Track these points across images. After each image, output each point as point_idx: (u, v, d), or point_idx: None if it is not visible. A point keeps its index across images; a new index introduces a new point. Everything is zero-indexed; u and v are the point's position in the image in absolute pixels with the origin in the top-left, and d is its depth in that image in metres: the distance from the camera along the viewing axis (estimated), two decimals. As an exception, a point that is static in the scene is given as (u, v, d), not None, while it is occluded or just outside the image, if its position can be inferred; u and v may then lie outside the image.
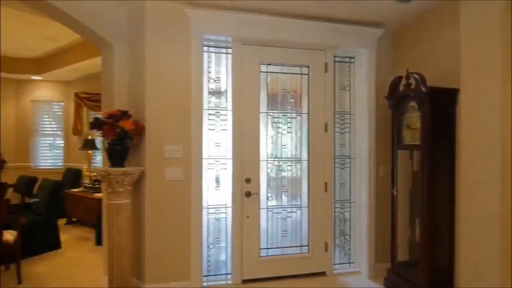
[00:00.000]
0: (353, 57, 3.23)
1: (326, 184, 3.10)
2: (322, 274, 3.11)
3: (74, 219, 5.18)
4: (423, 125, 2.46)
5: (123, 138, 2.47)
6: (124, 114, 2.49)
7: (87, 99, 5.64)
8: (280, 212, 3.09)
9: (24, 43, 4.67)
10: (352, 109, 3.25)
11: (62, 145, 6.29)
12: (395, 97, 2.78)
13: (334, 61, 3.15)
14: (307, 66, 3.09)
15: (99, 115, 2.52)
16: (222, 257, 3.02)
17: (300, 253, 3.12)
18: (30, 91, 6.13)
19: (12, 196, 3.32)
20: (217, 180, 2.98)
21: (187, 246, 2.70)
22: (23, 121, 6.08)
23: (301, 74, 3.10)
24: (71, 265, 3.51)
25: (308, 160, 3.10)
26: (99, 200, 4.57)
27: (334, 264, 3.19)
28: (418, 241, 2.61)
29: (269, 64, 3.02)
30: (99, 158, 5.78)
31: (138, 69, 2.68)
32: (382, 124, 3.09)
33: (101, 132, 2.44)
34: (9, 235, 2.98)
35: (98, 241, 4.15)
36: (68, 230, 4.84)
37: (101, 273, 3.03)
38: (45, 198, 3.81)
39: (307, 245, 3.12)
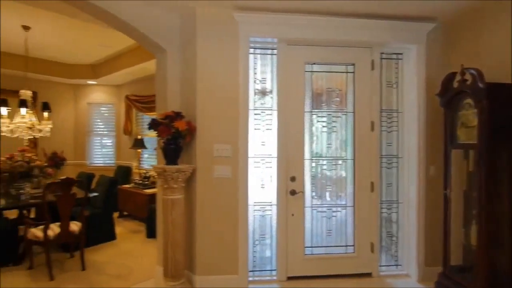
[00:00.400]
0: (400, 54, 3.14)
1: (372, 183, 3.05)
2: (368, 275, 3.07)
3: (125, 213, 5.56)
4: (480, 123, 2.34)
5: (176, 138, 2.63)
6: (178, 115, 2.65)
7: (136, 101, 6.02)
8: (325, 211, 3.09)
9: (83, 50, 5.11)
10: (400, 107, 3.16)
11: (114, 144, 6.75)
12: (448, 94, 2.66)
13: (381, 58, 3.09)
14: (353, 64, 3.06)
15: (156, 117, 2.69)
16: (267, 253, 3.09)
17: (345, 253, 3.10)
18: (86, 94, 6.67)
19: (74, 190, 3.66)
20: (262, 178, 3.06)
21: (234, 241, 2.81)
22: (80, 122, 6.64)
23: (346, 72, 3.08)
24: (126, 255, 3.80)
25: (354, 159, 3.07)
26: (149, 196, 4.89)
27: (381, 265, 3.13)
28: (475, 244, 2.49)
29: (314, 64, 3.04)
30: (146, 156, 6.16)
31: (189, 72, 2.83)
32: (431, 122, 2.97)
33: (157, 131, 2.62)
34: (75, 226, 3.30)
35: (149, 234, 4.44)
36: (120, 223, 5.21)
37: (154, 263, 3.24)
38: (102, 193, 4.15)
39: (353, 245, 3.10)
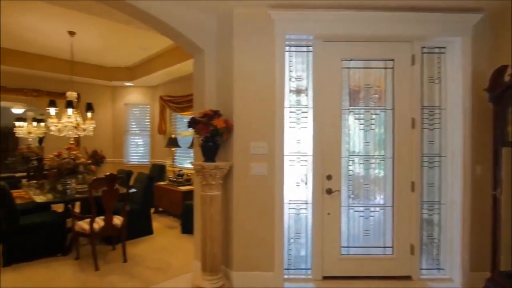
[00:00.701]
0: (443, 47, 3.00)
1: (413, 183, 2.94)
2: (407, 278, 2.96)
3: (160, 209, 5.76)
4: (536, 119, 2.18)
5: (214, 135, 2.69)
6: (216, 114, 2.70)
7: (170, 101, 6.21)
8: (362, 211, 3.02)
9: (122, 53, 5.35)
10: (443, 103, 3.02)
11: (149, 143, 7.01)
12: (498, 88, 2.50)
13: (422, 53, 2.97)
14: (392, 60, 2.97)
15: (194, 115, 2.77)
16: (302, 252, 3.08)
17: (384, 254, 3.01)
18: (123, 96, 6.99)
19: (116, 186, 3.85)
20: (298, 176, 3.04)
21: (270, 239, 2.82)
22: (117, 122, 6.96)
23: (385, 68, 2.99)
24: (163, 249, 3.93)
25: (393, 157, 2.97)
26: (183, 193, 5.03)
27: (421, 269, 3.01)
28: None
29: (351, 60, 2.98)
30: (179, 155, 6.33)
31: (226, 71, 2.88)
32: (478, 119, 2.81)
33: (195, 129, 2.69)
34: (117, 220, 3.47)
35: (184, 230, 4.57)
36: (156, 218, 5.40)
37: (190, 258, 3.33)
38: (140, 190, 4.32)
39: (391, 247, 3.00)
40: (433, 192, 3.06)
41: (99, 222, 3.31)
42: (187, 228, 4.56)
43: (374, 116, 3.01)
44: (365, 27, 2.81)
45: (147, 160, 7.00)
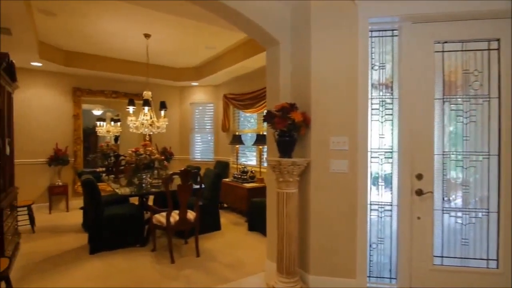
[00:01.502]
0: None
1: (527, 185, 2.46)
2: (519, 297, 2.49)
3: (225, 205, 5.84)
4: None
5: (291, 130, 2.55)
6: (293, 107, 2.56)
7: (233, 99, 6.26)
8: (460, 216, 2.62)
9: (190, 53, 5.53)
10: None
11: (213, 140, 7.19)
12: None
13: (539, 29, 2.46)
14: (497, 40, 2.51)
15: (270, 109, 2.66)
16: (385, 259, 2.78)
17: (487, 267, 2.57)
18: (189, 95, 7.27)
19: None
20: (381, 175, 2.76)
21: (351, 243, 2.59)
22: (184, 120, 7.26)
23: (488, 49, 2.55)
24: (232, 245, 3.93)
25: (499, 154, 2.52)
26: (249, 190, 5.00)
27: (537, 288, 2.51)
28: None
29: (446, 42, 2.60)
30: (243, 152, 6.34)
31: (302, 62, 2.72)
32: None
33: (271, 124, 2.58)
34: (191, 215, 3.53)
35: (250, 227, 4.53)
36: (221, 214, 5.47)
37: (262, 256, 3.25)
38: (209, 185, 4.39)
39: (496, 259, 2.55)
40: (553, 197, 2.52)
41: (174, 216, 3.41)
42: (253, 226, 4.52)
43: (474, 107, 2.59)
44: (463, 3, 2.42)
45: (211, 157, 7.18)
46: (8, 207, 3.25)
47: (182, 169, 3.33)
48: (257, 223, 4.46)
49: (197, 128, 7.34)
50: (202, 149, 7.40)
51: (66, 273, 3.10)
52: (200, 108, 7.31)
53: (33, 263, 3.34)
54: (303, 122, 2.55)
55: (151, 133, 4.60)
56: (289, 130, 2.56)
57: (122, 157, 6.73)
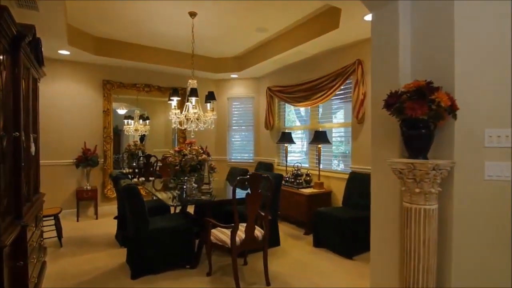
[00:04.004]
0: None
1: None
2: None
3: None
4: None
5: (431, 119, 1.76)
6: (432, 87, 1.77)
7: (280, 91, 5.50)
8: None
9: (236, 37, 4.79)
10: None
11: (253, 139, 6.44)
12: None
13: None
14: None
15: (397, 90, 1.88)
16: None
17: None
18: (226, 89, 6.55)
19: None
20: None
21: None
22: (220, 117, 6.52)
23: None
24: (303, 267, 3.16)
25: None
26: (308, 197, 4.23)
27: None
28: None
29: None
30: (291, 152, 5.57)
31: (435, 28, 1.92)
32: None
33: (396, 111, 1.80)
34: (258, 232, 2.79)
35: (316, 243, 3.76)
36: (271, 225, 4.73)
37: (344, 283, 2.46)
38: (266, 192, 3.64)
39: None
40: None
41: (239, 234, 2.66)
42: (320, 241, 3.74)
43: None
44: None
45: (251, 157, 6.43)
46: (33, 221, 2.60)
47: (251, 173, 2.58)
48: (324, 238, 3.68)
49: (235, 126, 6.62)
50: (240, 149, 6.67)
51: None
52: (238, 103, 6.57)
53: (64, 290, 2.68)
54: (451, 108, 1.76)
55: (196, 129, 3.89)
56: (427, 120, 1.77)
57: (153, 158, 6.12)
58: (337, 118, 4.80)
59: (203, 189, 3.50)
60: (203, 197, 3.31)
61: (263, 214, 2.78)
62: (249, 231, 2.68)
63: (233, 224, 2.60)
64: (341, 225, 3.44)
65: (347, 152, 4.51)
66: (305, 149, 5.36)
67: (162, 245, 3.00)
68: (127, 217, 3.15)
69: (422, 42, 2.02)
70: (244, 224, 2.71)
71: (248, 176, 2.56)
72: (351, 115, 4.22)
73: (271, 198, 2.82)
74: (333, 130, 4.75)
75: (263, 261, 2.82)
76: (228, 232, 2.70)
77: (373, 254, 2.28)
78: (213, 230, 2.84)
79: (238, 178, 2.53)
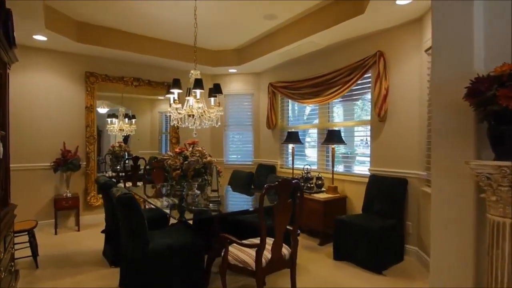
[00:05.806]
0: None
1: None
2: None
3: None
4: None
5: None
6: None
7: (284, 87, 5.06)
8: None
9: (240, 25, 4.30)
10: None
11: (252, 139, 5.96)
12: None
13: None
14: None
15: (483, 75, 1.47)
16: None
17: None
18: (223, 85, 6.01)
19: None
20: None
21: None
22: (215, 116, 6.02)
23: None
24: (331, 286, 2.73)
25: None
26: (324, 203, 3.81)
27: None
28: None
29: None
30: (299, 153, 5.13)
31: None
32: None
33: (483, 101, 1.40)
34: (285, 250, 2.32)
35: (337, 255, 3.34)
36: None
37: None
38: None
39: None
40: None
41: (265, 254, 2.18)
42: (341, 253, 3.32)
43: None
44: None
45: (250, 159, 5.95)
46: (1, 240, 2.03)
47: (280, 179, 2.11)
48: (347, 250, 3.26)
49: (232, 125, 6.11)
50: (238, 150, 6.18)
51: None
52: (236, 100, 6.07)
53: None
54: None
55: (199, 127, 3.38)
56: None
57: (142, 160, 5.53)
58: (352, 116, 4.39)
59: (212, 197, 3.00)
60: (212, 206, 2.81)
61: (291, 228, 2.31)
62: (276, 249, 2.21)
63: (257, 241, 2.12)
64: (369, 235, 3.04)
65: (355, 153, 4.13)
66: (315, 150, 4.92)
67: (166, 266, 2.47)
68: (122, 233, 2.60)
69: (497, 22, 1.63)
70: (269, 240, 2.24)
71: (277, 183, 2.09)
72: (370, 113, 3.84)
73: (298, 209, 2.36)
74: (354, 129, 4.32)
75: (290, 283, 2.36)
76: (249, 250, 2.22)
77: (432, 272, 1.86)
78: (232, 249, 2.34)
79: (265, 185, 2.06)
